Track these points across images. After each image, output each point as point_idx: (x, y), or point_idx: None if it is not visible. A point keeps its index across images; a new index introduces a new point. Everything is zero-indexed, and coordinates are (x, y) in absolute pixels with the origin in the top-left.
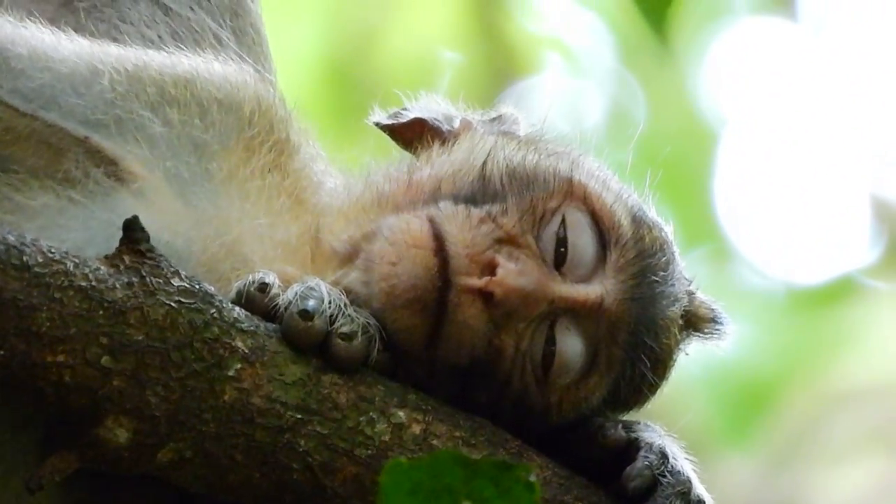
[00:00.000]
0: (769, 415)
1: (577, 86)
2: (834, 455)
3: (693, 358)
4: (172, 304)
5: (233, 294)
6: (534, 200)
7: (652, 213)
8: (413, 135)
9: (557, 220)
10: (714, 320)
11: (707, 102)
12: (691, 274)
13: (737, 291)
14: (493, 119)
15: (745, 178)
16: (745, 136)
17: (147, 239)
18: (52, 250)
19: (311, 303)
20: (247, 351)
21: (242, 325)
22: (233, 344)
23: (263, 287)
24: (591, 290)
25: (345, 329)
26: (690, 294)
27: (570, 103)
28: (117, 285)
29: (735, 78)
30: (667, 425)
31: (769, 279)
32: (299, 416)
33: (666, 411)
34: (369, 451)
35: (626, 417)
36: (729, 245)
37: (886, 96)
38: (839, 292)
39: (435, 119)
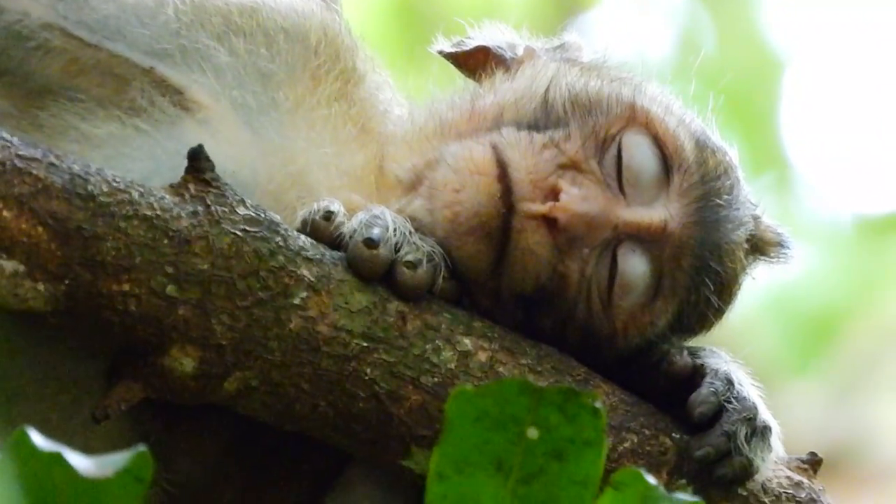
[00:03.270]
0: (835, 344)
1: (644, 17)
2: None
3: (760, 287)
4: (238, 232)
5: (298, 223)
6: (596, 126)
7: (716, 137)
8: (477, 63)
9: (619, 145)
10: (780, 244)
11: (775, 31)
12: (757, 200)
13: (804, 220)
14: (557, 47)
15: (813, 106)
16: (812, 65)
17: (212, 168)
18: (117, 179)
19: (376, 231)
20: (312, 279)
21: (308, 254)
22: (298, 272)
23: (328, 215)
24: (654, 214)
25: (410, 257)
26: (756, 218)
27: (637, 34)
28: (182, 214)
29: (803, 6)
30: (733, 354)
31: (836, 208)
32: (365, 345)
33: (733, 341)
34: (435, 379)
35: (692, 343)
36: (796, 174)
37: None
38: None
39: (498, 47)
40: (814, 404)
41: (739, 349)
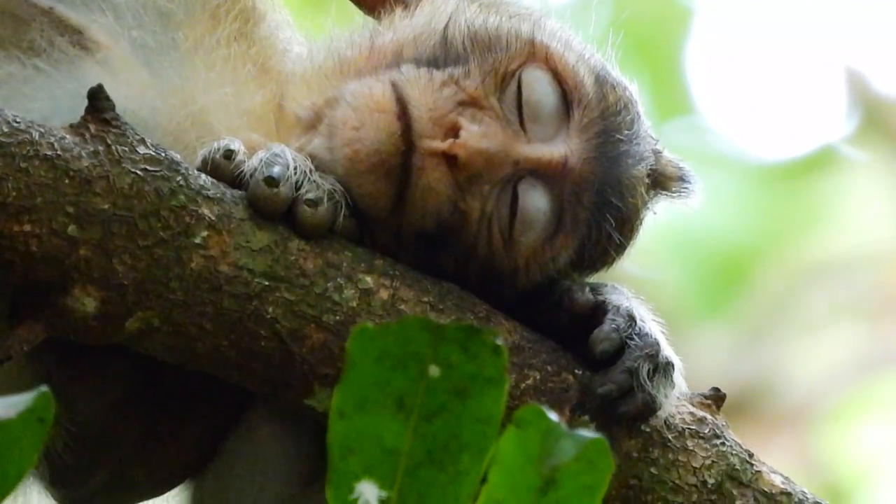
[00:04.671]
0: (745, 287)
1: None
2: (809, 326)
3: (669, 231)
4: (138, 172)
5: (198, 162)
6: (496, 62)
7: (616, 72)
8: (376, 1)
9: (519, 81)
10: (682, 178)
11: None
12: (658, 136)
13: (711, 165)
14: None
15: (719, 52)
16: (718, 10)
17: (112, 108)
18: (17, 120)
19: (277, 169)
20: (213, 218)
21: (209, 193)
22: (199, 211)
23: (229, 154)
24: (555, 150)
25: (310, 195)
26: (657, 153)
27: None
28: (83, 154)
29: None
30: (642, 297)
31: (743, 153)
32: (266, 284)
33: (642, 284)
34: (337, 318)
35: (594, 280)
36: (703, 120)
37: None
38: (815, 165)
39: None
40: (724, 348)
41: (648, 292)
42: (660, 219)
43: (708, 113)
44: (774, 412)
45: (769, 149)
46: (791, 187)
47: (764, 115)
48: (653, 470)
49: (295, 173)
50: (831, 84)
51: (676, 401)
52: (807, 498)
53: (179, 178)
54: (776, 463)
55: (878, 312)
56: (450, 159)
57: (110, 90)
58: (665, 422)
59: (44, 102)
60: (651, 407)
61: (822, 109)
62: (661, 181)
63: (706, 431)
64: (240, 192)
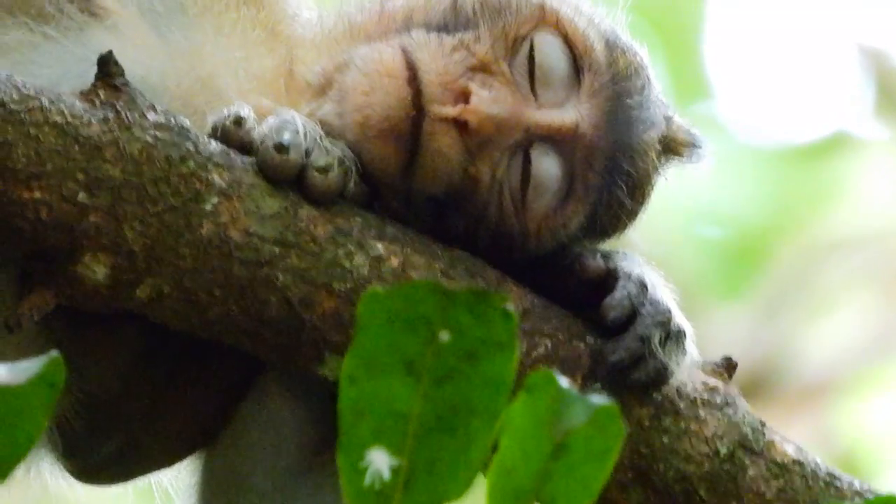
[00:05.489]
0: (761, 266)
1: None
2: (825, 304)
3: (686, 212)
4: (148, 138)
5: (208, 128)
6: (506, 27)
7: (626, 37)
8: None
9: (529, 45)
10: (693, 144)
11: None
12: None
13: (729, 146)
14: None
15: (735, 35)
16: None
17: (122, 73)
18: (27, 86)
19: (287, 136)
20: (223, 185)
21: (218, 159)
22: (209, 178)
23: (239, 120)
24: (566, 116)
25: (320, 161)
26: (668, 118)
27: None
28: (93, 121)
29: None
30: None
31: (761, 135)
32: (277, 250)
33: (658, 265)
34: (348, 285)
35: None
36: (720, 103)
37: None
38: (831, 146)
39: None
40: (741, 326)
41: (666, 272)
42: (677, 200)
43: (725, 96)
44: (791, 390)
45: (786, 130)
46: (807, 168)
47: (780, 97)
48: (664, 438)
49: (305, 139)
50: (847, 65)
51: (688, 369)
52: (819, 467)
53: (189, 144)
54: (793, 439)
55: (893, 289)
56: (460, 125)
57: (119, 55)
58: (677, 390)
59: (53, 69)
60: (663, 375)
61: (838, 90)
62: (673, 146)
63: (718, 400)
64: (250, 158)
